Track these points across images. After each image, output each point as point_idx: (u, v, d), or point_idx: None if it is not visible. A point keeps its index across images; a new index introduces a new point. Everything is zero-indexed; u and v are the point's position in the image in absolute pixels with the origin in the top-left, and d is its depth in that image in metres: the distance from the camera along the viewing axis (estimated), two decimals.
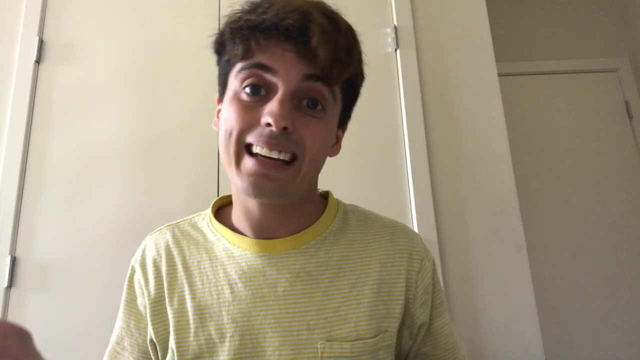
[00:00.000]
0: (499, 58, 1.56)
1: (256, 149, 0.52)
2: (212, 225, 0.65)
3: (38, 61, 1.48)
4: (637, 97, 2.23)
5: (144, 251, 0.66)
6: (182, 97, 1.46)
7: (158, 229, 0.69)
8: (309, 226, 0.61)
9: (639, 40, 2.27)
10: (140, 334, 0.61)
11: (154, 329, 0.59)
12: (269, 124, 0.50)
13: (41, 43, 1.50)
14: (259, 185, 0.52)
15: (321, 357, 0.54)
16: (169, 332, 0.58)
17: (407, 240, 0.64)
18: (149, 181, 1.39)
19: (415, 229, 1.34)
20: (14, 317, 1.28)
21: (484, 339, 1.28)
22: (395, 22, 1.52)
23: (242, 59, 0.54)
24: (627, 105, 2.22)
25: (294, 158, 0.53)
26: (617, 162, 2.17)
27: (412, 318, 0.62)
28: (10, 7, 1.54)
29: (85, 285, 1.31)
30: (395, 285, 0.60)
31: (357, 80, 0.64)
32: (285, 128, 0.51)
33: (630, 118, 2.21)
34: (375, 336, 0.56)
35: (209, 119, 1.44)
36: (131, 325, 0.62)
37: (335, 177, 1.32)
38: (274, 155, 0.51)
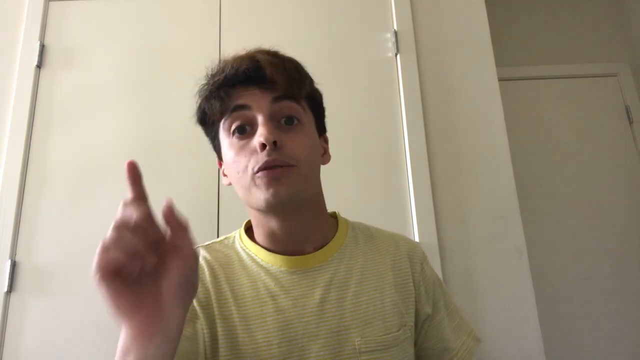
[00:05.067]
0: (499, 63, 1.56)
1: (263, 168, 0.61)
2: (245, 244, 0.72)
3: (39, 66, 1.49)
4: (637, 101, 2.23)
5: None
6: (183, 101, 1.46)
7: None
8: (329, 241, 0.71)
9: (639, 44, 2.27)
10: (182, 339, 0.60)
11: (206, 330, 0.63)
12: (262, 144, 0.60)
13: (42, 48, 1.51)
14: (276, 191, 0.61)
15: (359, 352, 0.63)
16: (218, 337, 0.63)
17: (408, 247, 0.76)
18: (149, 186, 1.38)
19: (416, 234, 1.34)
20: (14, 322, 1.28)
21: (485, 344, 1.27)
22: (395, 27, 1.52)
23: (222, 112, 0.66)
24: (627, 110, 2.22)
25: (292, 166, 0.62)
26: (617, 166, 2.16)
27: (419, 313, 0.72)
28: (12, 12, 1.55)
29: (86, 289, 1.30)
30: (406, 285, 0.71)
31: (317, 95, 0.73)
32: (275, 142, 0.60)
33: (631, 122, 2.20)
34: (399, 330, 0.67)
35: None
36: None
37: (336, 182, 1.32)
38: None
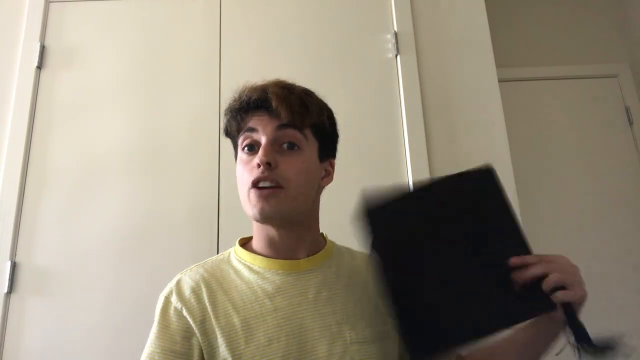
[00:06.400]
0: (499, 63, 1.56)
1: (256, 184, 0.72)
2: (240, 256, 0.80)
3: (39, 67, 1.49)
4: (637, 102, 2.23)
5: (178, 285, 0.76)
6: (184, 102, 1.46)
7: (188, 268, 0.80)
8: (319, 250, 0.80)
9: (639, 45, 2.28)
10: (175, 355, 0.69)
11: (204, 345, 0.70)
12: (258, 164, 0.71)
13: (43, 49, 1.51)
14: (261, 208, 0.70)
15: (350, 343, 0.71)
16: (217, 347, 0.69)
17: None
18: (149, 187, 1.39)
19: None
20: (14, 323, 1.28)
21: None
22: (395, 28, 1.52)
23: (238, 131, 0.78)
24: (627, 111, 2.21)
25: (281, 187, 0.71)
26: (617, 167, 2.16)
27: None
28: (12, 13, 1.55)
29: (85, 290, 1.30)
30: None
31: (325, 125, 0.80)
32: (268, 164, 0.70)
33: (631, 124, 2.20)
34: (384, 325, 0.74)
35: (210, 125, 1.45)
36: (166, 348, 0.70)
37: (336, 183, 1.32)
38: (267, 184, 0.71)
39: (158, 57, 1.51)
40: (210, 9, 1.55)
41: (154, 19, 1.55)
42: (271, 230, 0.76)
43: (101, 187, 1.39)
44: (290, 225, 0.76)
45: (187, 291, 0.74)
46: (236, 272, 0.77)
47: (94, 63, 1.51)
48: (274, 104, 0.73)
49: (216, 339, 0.69)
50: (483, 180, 0.73)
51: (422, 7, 1.57)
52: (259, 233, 0.79)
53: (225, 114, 0.81)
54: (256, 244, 0.80)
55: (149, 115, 1.46)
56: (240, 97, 0.78)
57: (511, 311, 0.63)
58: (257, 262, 0.77)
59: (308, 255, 0.79)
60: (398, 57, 1.49)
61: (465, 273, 0.66)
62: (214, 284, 0.75)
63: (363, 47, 1.51)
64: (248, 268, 0.77)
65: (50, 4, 1.56)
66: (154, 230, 1.35)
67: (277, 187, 0.71)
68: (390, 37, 1.52)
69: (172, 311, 0.72)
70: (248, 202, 0.73)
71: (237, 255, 0.80)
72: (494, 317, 0.62)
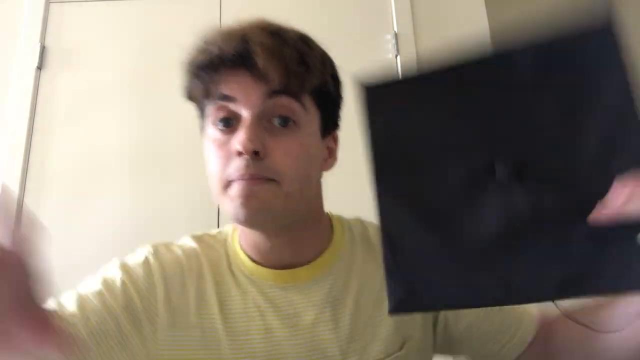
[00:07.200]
0: None
1: (237, 184, 0.51)
2: (235, 249, 0.62)
3: (40, 67, 1.49)
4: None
5: (162, 254, 0.60)
6: (183, 102, 1.46)
7: (182, 243, 0.64)
8: (324, 251, 0.61)
9: (639, 45, 2.28)
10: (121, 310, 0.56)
11: (170, 339, 0.55)
12: (240, 152, 0.50)
13: (43, 49, 1.50)
14: (246, 205, 0.50)
15: None
16: (192, 348, 0.54)
17: None
18: (149, 187, 1.38)
19: None
20: None
21: None
22: (395, 29, 1.52)
23: (205, 96, 0.56)
24: None
25: (272, 180, 0.52)
26: None
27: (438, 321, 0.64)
28: (12, 14, 1.55)
29: None
30: None
31: (329, 86, 0.59)
32: (256, 152, 0.49)
33: None
34: (401, 348, 0.58)
35: None
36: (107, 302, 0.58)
37: (336, 183, 1.32)
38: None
39: (158, 58, 1.51)
40: (210, 9, 1.55)
41: (154, 20, 1.55)
42: (256, 235, 0.57)
43: (101, 187, 1.39)
44: (284, 230, 0.57)
45: (171, 267, 0.58)
46: (229, 266, 0.60)
47: (94, 63, 1.51)
48: (260, 61, 0.50)
49: (192, 338, 0.55)
50: (593, 45, 0.39)
51: (422, 8, 1.56)
52: (243, 234, 0.60)
53: (185, 68, 0.59)
54: (243, 243, 0.61)
55: (149, 116, 1.45)
56: (207, 48, 0.55)
57: (571, 270, 0.35)
58: (247, 265, 0.59)
59: (309, 261, 0.59)
60: (398, 57, 1.49)
61: (505, 197, 0.38)
62: (207, 272, 0.59)
63: (363, 47, 1.51)
64: (239, 269, 0.60)
65: (50, 4, 1.55)
66: (154, 230, 1.35)
67: (268, 179, 0.51)
68: (390, 37, 1.52)
69: (142, 276, 0.59)
70: (224, 198, 0.53)
71: (233, 246, 0.62)
72: (542, 271, 0.36)
